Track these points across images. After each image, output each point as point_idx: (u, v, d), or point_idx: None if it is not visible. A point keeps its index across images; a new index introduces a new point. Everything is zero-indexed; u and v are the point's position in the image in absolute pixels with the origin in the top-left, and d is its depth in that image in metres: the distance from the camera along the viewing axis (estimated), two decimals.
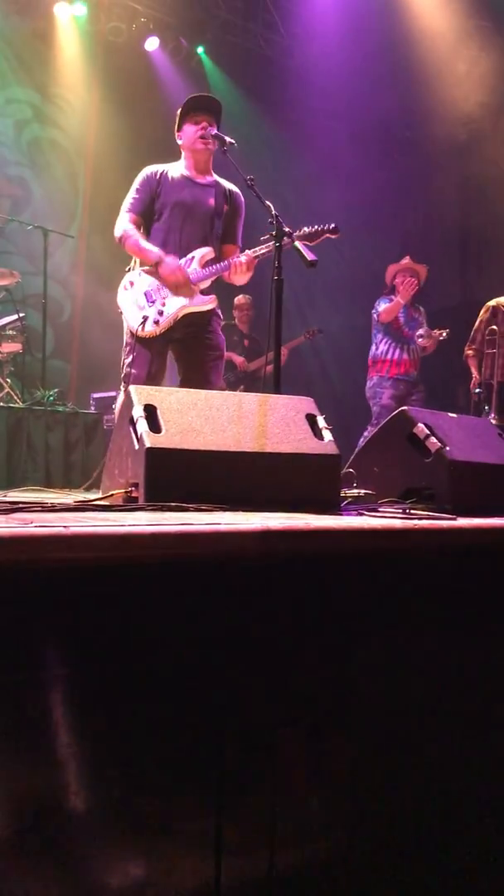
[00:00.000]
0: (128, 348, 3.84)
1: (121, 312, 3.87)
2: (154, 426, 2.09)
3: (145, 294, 3.77)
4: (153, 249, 3.76)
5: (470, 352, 6.05)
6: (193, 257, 3.75)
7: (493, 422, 5.54)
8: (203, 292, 3.77)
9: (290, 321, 7.25)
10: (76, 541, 1.27)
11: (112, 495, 2.15)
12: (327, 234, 3.66)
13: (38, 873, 1.29)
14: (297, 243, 3.48)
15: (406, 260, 6.23)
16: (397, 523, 1.80)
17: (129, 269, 3.93)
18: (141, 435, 2.06)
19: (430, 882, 1.83)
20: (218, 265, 3.75)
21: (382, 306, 6.15)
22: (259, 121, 9.23)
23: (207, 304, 3.78)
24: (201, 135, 3.79)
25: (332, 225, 3.66)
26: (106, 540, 1.31)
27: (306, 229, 3.63)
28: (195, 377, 3.78)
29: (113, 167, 8.31)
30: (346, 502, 2.38)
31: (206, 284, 3.78)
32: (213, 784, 1.48)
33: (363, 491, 2.54)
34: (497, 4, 7.41)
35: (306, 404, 2.40)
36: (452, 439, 2.52)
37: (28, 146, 8.54)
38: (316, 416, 2.36)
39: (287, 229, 3.51)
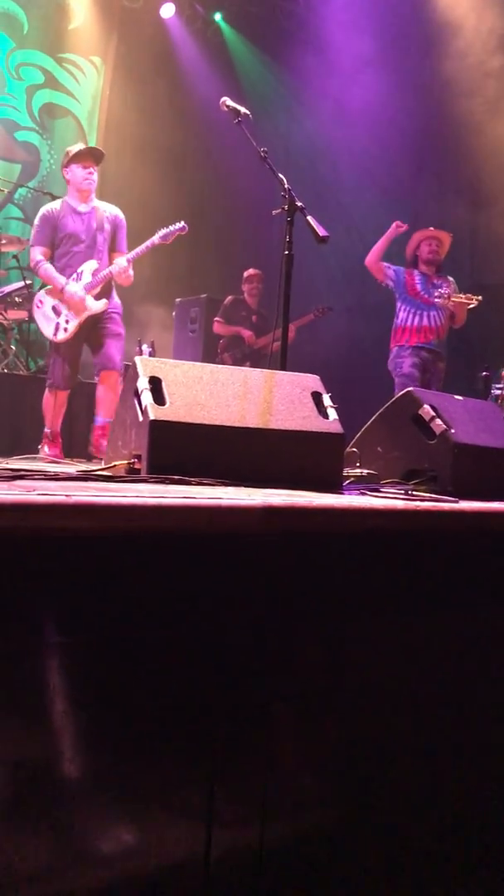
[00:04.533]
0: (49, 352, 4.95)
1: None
2: (159, 398, 2.08)
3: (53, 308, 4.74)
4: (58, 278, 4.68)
5: None
6: (83, 271, 4.65)
7: None
8: (96, 297, 4.68)
9: (301, 297, 7.16)
10: (77, 510, 1.27)
11: (114, 466, 2.14)
12: None
13: (31, 837, 1.30)
14: (310, 218, 3.45)
15: (431, 229, 5.90)
16: (399, 504, 1.79)
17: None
18: (145, 407, 2.06)
19: (422, 856, 1.85)
20: (102, 274, 4.61)
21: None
22: (280, 87, 9.08)
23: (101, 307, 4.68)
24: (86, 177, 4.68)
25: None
26: (107, 510, 1.31)
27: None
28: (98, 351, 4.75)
29: (124, 135, 8.21)
30: (348, 481, 2.38)
31: (97, 290, 4.65)
32: (206, 755, 1.49)
33: (366, 471, 2.53)
34: None
35: (312, 382, 2.38)
36: (457, 422, 2.51)
37: (39, 112, 8.45)
38: (321, 395, 2.34)
39: (299, 203, 3.48)
